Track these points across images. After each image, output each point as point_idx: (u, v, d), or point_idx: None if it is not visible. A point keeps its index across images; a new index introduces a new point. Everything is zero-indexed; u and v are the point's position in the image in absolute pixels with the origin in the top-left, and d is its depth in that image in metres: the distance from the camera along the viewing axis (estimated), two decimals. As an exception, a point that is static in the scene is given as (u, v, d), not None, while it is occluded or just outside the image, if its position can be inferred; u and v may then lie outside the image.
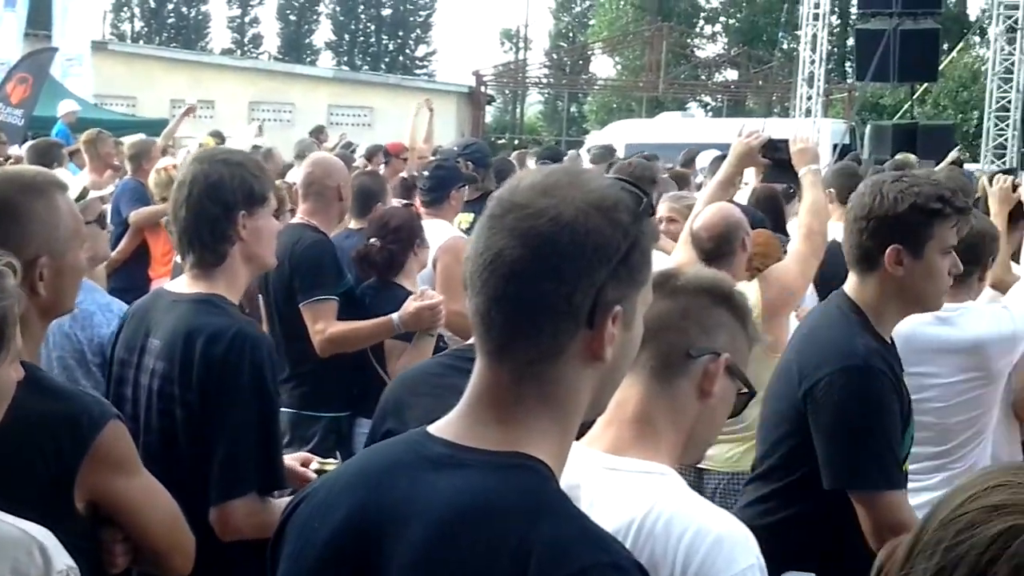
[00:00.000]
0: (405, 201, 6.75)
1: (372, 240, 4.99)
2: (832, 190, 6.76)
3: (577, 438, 1.70)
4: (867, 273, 3.10)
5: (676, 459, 2.06)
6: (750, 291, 4.41)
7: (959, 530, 1.57)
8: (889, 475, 2.94)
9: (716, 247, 4.45)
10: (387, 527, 1.51)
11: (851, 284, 3.16)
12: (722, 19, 52.93)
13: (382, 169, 9.68)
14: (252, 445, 2.91)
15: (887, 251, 3.03)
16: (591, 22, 55.22)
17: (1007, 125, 19.15)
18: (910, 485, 3.23)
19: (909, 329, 4.15)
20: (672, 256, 4.93)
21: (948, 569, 1.40)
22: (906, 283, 3.06)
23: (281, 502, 2.84)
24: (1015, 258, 5.08)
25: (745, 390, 2.15)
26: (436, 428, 1.58)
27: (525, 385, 1.52)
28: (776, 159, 4.92)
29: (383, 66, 59.61)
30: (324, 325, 4.84)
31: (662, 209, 5.86)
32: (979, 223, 4.19)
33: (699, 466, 4.52)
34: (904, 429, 3.04)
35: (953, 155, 11.35)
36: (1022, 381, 4.33)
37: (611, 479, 1.97)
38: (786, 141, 4.82)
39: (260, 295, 5.21)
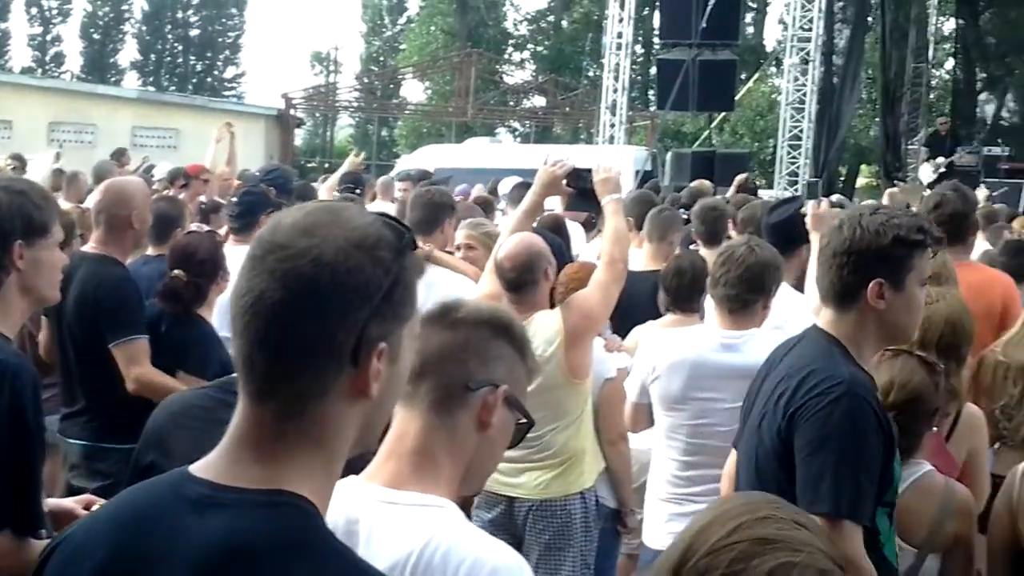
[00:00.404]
0: (206, 227, 6.62)
1: (177, 272, 4.84)
2: (630, 218, 6.95)
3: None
4: (846, 308, 3.05)
5: (455, 491, 2.08)
6: (553, 319, 4.48)
7: (733, 559, 1.65)
8: (853, 503, 2.88)
9: (519, 276, 4.49)
10: (145, 572, 1.48)
11: (827, 319, 3.11)
12: (530, 46, 53.67)
13: (183, 192, 9.48)
14: (4, 481, 2.78)
15: (870, 285, 2.98)
16: (402, 47, 55.27)
17: (799, 153, 19.94)
18: (698, 507, 3.33)
19: (696, 356, 4.31)
20: (478, 286, 4.96)
21: None
22: (887, 316, 3.02)
23: (41, 544, 2.73)
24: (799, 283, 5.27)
25: (524, 420, 2.18)
26: (197, 468, 1.55)
27: (287, 424, 1.51)
28: (580, 188, 5.02)
29: (190, 87, 58.35)
30: (139, 370, 4.68)
31: (460, 236, 5.91)
32: (763, 253, 4.36)
33: (509, 494, 4.55)
34: (888, 461, 3.00)
35: (740, 179, 11.73)
36: None
37: (389, 513, 1.98)
38: (590, 170, 4.92)
39: (48, 326, 5.05)
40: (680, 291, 5.36)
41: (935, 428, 3.57)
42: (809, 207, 5.26)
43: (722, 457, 4.12)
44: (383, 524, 1.96)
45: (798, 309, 4.71)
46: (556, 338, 4.44)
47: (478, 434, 2.10)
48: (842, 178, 32.36)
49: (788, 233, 5.44)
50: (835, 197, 16.12)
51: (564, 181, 4.97)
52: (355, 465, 1.89)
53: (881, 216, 3.02)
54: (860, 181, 35.99)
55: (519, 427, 2.18)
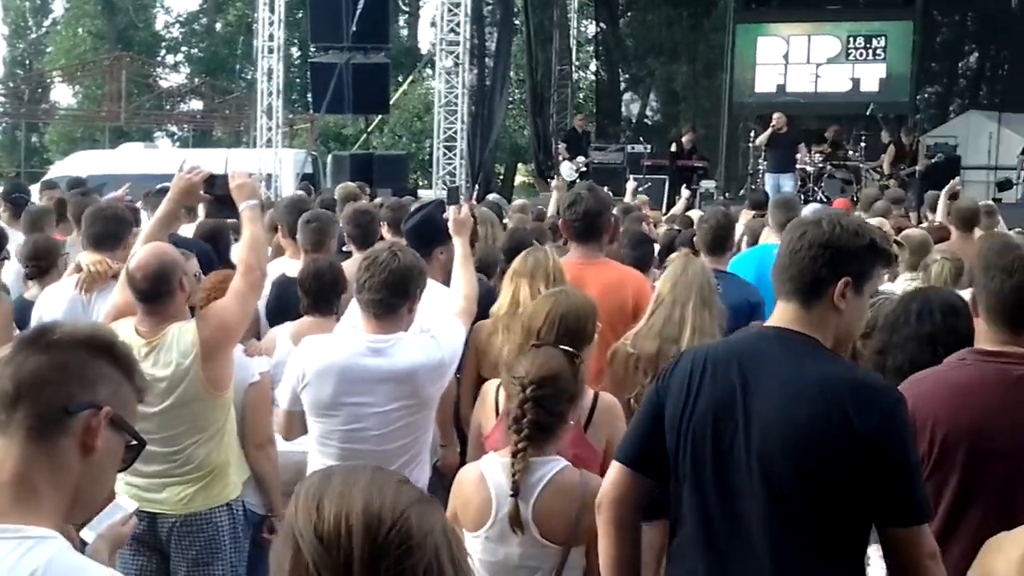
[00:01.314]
0: None
1: None
2: (284, 225, 6.85)
3: None
4: (811, 302, 2.97)
5: (62, 520, 1.99)
6: (188, 331, 4.36)
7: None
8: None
9: (151, 288, 4.34)
10: None
11: (791, 316, 2.99)
12: (184, 49, 52.22)
13: None
14: None
15: (840, 282, 2.94)
16: (48, 49, 52.50)
17: (455, 154, 20.33)
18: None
19: (345, 361, 4.29)
20: (111, 298, 4.77)
21: None
22: (844, 317, 2.97)
23: None
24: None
25: (135, 442, 2.10)
26: None
27: None
28: (217, 195, 4.91)
29: None
30: None
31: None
32: (406, 257, 4.39)
33: (151, 510, 4.40)
34: None
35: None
36: None
37: (-9, 546, 1.87)
38: (226, 176, 4.82)
39: None
40: (319, 294, 5.37)
41: (571, 422, 3.69)
42: (451, 212, 5.35)
43: (375, 459, 4.14)
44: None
45: (445, 308, 4.79)
46: (192, 351, 4.32)
47: (82, 459, 2.02)
48: (500, 177, 33.27)
49: (423, 235, 5.50)
50: (492, 196, 16.56)
51: (202, 188, 4.85)
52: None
53: (858, 219, 3.11)
54: (518, 180, 37.03)
55: (130, 448, 2.10)
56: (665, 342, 4.84)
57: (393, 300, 4.28)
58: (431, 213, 5.77)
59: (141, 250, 4.49)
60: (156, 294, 4.36)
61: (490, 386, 4.29)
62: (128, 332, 4.34)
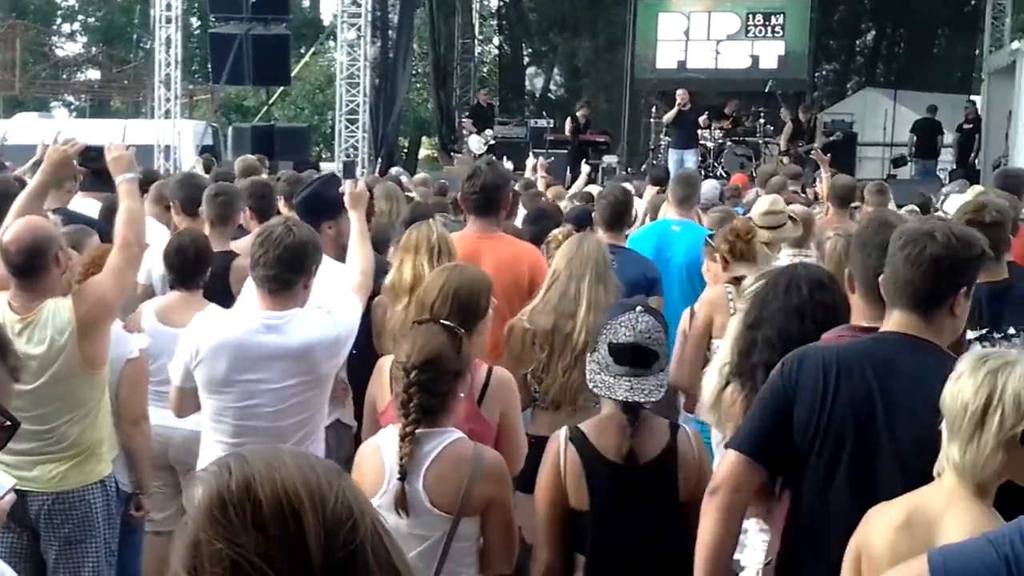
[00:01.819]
0: None
1: None
2: (176, 201, 6.75)
3: None
4: (933, 312, 3.09)
5: None
6: (64, 307, 4.30)
7: None
8: None
9: (26, 262, 4.27)
10: None
11: (915, 325, 3.10)
12: (80, 17, 51.02)
13: None
14: None
15: (959, 292, 3.08)
16: (-65, 17, 50.99)
17: (357, 127, 20.18)
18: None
19: (239, 338, 4.25)
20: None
21: None
22: (956, 320, 3.12)
23: None
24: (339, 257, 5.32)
25: (8, 423, 2.07)
26: None
27: None
28: (93, 168, 4.84)
29: None
30: None
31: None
32: (301, 232, 4.35)
33: (21, 488, 4.32)
34: None
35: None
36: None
37: None
38: (102, 148, 4.74)
39: None
40: (184, 268, 5.33)
41: (462, 394, 3.71)
42: (347, 186, 5.32)
43: (270, 436, 4.13)
44: None
45: (341, 284, 4.77)
46: (68, 328, 4.28)
47: None
48: (404, 150, 33.13)
49: (312, 209, 5.44)
50: (394, 169, 16.51)
51: (77, 160, 4.79)
52: None
53: (965, 227, 3.24)
54: (422, 153, 36.91)
55: (3, 429, 2.08)
56: (561, 317, 4.89)
57: (288, 276, 4.25)
58: (320, 187, 5.71)
59: (15, 224, 4.42)
60: (30, 268, 4.29)
61: (384, 362, 4.28)
62: (1, 308, 4.27)
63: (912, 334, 3.10)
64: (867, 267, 3.40)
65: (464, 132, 22.64)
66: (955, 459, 2.70)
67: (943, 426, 2.73)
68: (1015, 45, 19.89)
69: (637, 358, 3.68)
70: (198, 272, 5.35)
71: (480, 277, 4.27)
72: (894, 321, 3.17)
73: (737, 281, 5.50)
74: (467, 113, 24.09)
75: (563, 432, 3.75)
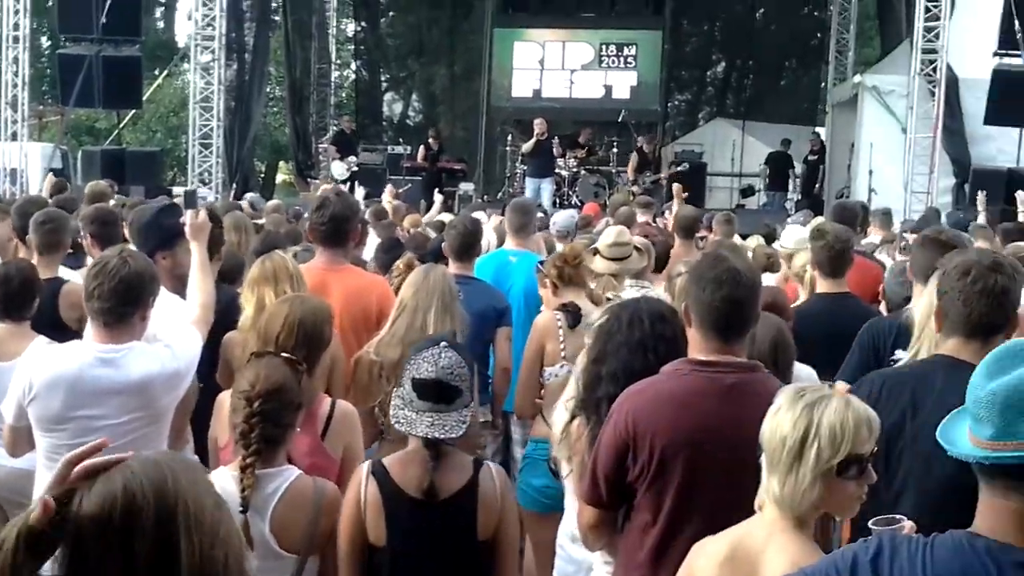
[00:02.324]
0: None
1: None
2: (16, 228, 6.59)
3: None
4: (993, 338, 3.32)
5: None
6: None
7: None
8: None
9: None
10: None
11: (973, 348, 3.36)
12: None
13: None
14: None
15: (1018, 318, 3.43)
16: None
17: (211, 151, 19.89)
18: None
19: (74, 372, 4.16)
20: None
21: None
22: None
23: None
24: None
25: None
26: None
27: None
28: None
29: None
30: None
31: None
32: (137, 263, 4.27)
33: None
34: None
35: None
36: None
37: None
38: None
39: None
40: (8, 299, 5.17)
41: (298, 428, 3.70)
42: (188, 216, 5.22)
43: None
44: None
45: (178, 317, 4.70)
46: None
47: None
48: (261, 175, 32.73)
49: (148, 238, 5.36)
50: (250, 195, 16.33)
51: None
52: None
53: (1010, 258, 3.64)
54: (279, 178, 36.50)
55: None
56: (408, 349, 4.89)
57: (123, 308, 4.17)
58: (156, 216, 5.60)
59: None
60: None
61: (224, 397, 4.24)
62: None
63: (966, 360, 3.32)
64: (701, 301, 3.48)
65: (329, 158, 22.52)
66: (775, 492, 2.79)
67: (762, 459, 2.83)
68: (857, 79, 20.68)
69: (439, 394, 3.68)
70: (25, 303, 5.18)
71: (322, 308, 4.27)
72: (953, 346, 3.46)
73: (564, 307, 5.61)
74: (331, 139, 23.99)
75: (366, 466, 3.75)
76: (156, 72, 28.13)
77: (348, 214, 5.68)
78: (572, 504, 4.17)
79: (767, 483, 2.81)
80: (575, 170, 20.00)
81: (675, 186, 13.15)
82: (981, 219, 11.29)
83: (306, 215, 10.68)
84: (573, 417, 4.02)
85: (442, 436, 3.65)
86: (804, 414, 2.74)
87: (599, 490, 3.56)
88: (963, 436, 2.24)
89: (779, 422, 2.77)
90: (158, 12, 38.47)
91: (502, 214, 10.57)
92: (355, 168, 21.10)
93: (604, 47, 25.00)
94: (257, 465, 3.49)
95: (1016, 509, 2.15)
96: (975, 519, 2.23)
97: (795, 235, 7.73)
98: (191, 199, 5.42)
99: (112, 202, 9.34)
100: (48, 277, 5.76)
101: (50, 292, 5.60)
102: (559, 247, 7.65)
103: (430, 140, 21.68)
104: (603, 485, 3.55)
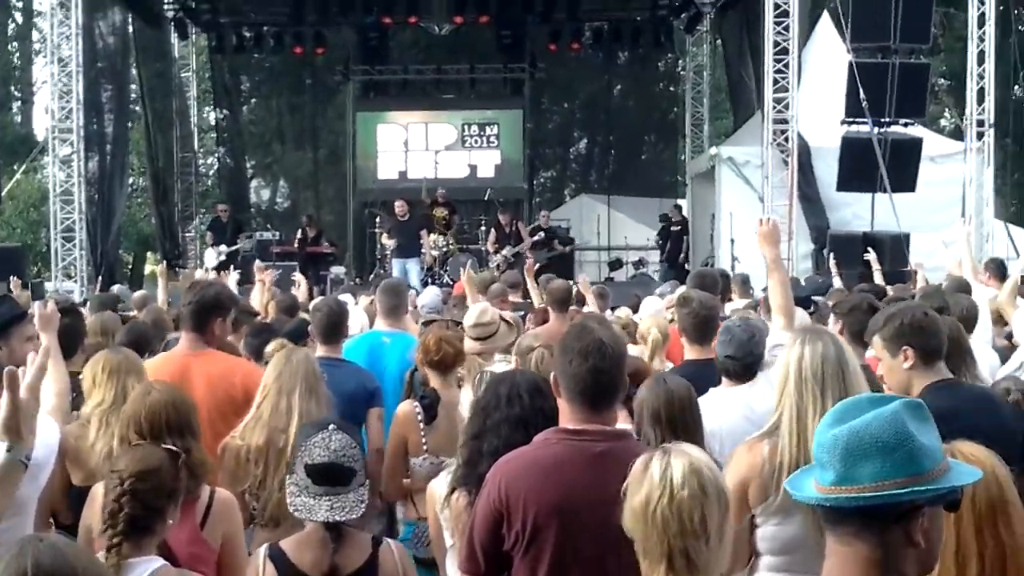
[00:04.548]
0: None
1: None
2: None
3: None
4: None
5: None
6: None
7: None
8: None
9: None
10: None
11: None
12: None
13: None
14: None
15: None
16: None
17: (74, 245, 19.54)
18: None
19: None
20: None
21: None
22: None
23: None
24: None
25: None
26: None
27: None
28: None
29: None
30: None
31: None
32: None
33: None
34: None
35: None
36: None
37: None
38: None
39: None
40: None
41: (171, 521, 3.66)
42: (36, 308, 5.14)
43: None
44: None
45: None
46: None
47: None
48: (129, 267, 32.22)
49: None
50: (116, 287, 16.07)
51: None
52: None
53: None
54: (147, 268, 35.94)
55: None
56: (274, 432, 4.89)
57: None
58: None
59: None
60: None
61: (99, 488, 4.18)
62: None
63: None
64: (567, 373, 3.55)
65: (208, 243, 22.28)
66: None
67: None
68: (713, 151, 21.28)
69: (334, 477, 3.72)
70: None
71: (185, 396, 4.28)
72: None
73: (423, 398, 5.65)
74: (207, 226, 23.76)
75: (263, 549, 3.76)
76: (15, 167, 27.59)
77: (214, 302, 5.66)
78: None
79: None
80: (445, 249, 20.11)
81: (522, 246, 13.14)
82: (837, 282, 11.69)
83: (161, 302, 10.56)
84: (452, 490, 4.07)
85: (343, 519, 3.68)
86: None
87: (476, 560, 3.59)
88: (809, 484, 2.36)
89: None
90: (15, 107, 37.83)
91: (373, 295, 10.61)
92: (224, 257, 20.90)
93: (467, 127, 25.37)
94: (124, 549, 3.43)
95: (861, 554, 2.26)
96: (824, 569, 2.34)
97: (651, 307, 7.93)
98: (38, 291, 5.30)
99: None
100: None
101: None
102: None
103: (305, 227, 21.63)
104: (480, 555, 3.58)
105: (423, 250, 19.74)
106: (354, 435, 3.89)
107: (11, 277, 13.48)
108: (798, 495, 2.35)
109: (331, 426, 3.85)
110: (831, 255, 13.59)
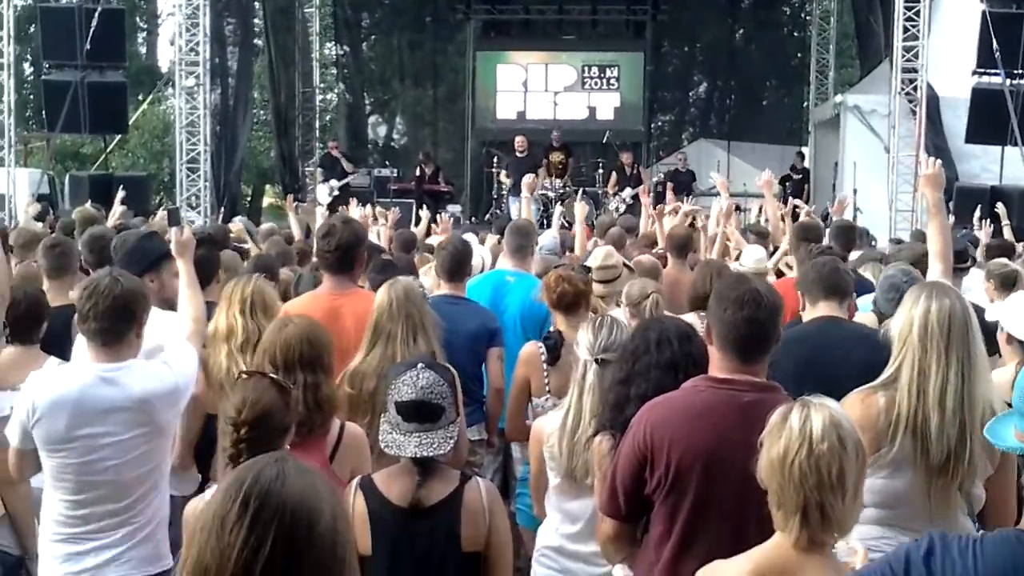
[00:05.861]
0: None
1: None
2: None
3: None
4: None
5: None
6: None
7: None
8: None
9: None
10: None
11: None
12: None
13: None
14: None
15: None
16: None
17: (198, 176, 19.91)
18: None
19: (76, 392, 4.21)
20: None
21: None
22: None
23: None
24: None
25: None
26: None
27: None
28: None
29: None
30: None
31: None
32: (128, 282, 4.33)
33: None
34: None
35: None
36: None
37: None
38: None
39: None
40: (15, 324, 5.23)
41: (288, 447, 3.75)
42: (172, 234, 5.32)
43: (115, 492, 4.13)
44: None
45: (174, 333, 4.77)
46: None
47: None
48: (248, 199, 32.76)
49: (131, 265, 5.38)
50: (239, 219, 16.38)
51: None
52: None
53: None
54: (265, 201, 36.51)
55: None
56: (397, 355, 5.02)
57: (119, 327, 4.24)
58: (137, 242, 5.73)
59: None
60: None
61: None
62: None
63: None
64: (723, 320, 3.58)
65: (319, 179, 22.56)
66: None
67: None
68: (838, 98, 20.85)
69: (422, 414, 3.76)
70: (31, 327, 5.23)
71: (320, 332, 4.36)
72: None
73: (547, 338, 5.66)
74: (318, 162, 24.04)
75: (355, 481, 3.85)
76: (140, 98, 28.15)
77: (354, 241, 5.75)
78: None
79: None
80: (562, 191, 20.05)
81: (641, 191, 12.97)
82: (981, 236, 11.27)
83: (296, 238, 10.74)
84: (596, 432, 4.12)
85: (431, 454, 3.73)
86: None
87: (617, 502, 3.66)
88: (1009, 432, 2.36)
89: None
90: (140, 38, 38.48)
91: (493, 234, 10.66)
92: (337, 193, 21.11)
93: (586, 69, 25.20)
94: None
95: None
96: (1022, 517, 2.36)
97: (754, 255, 7.83)
98: (175, 216, 5.42)
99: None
100: (60, 304, 5.76)
101: (61, 319, 5.48)
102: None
103: (423, 164, 21.75)
104: (621, 497, 3.65)
105: (540, 191, 19.71)
106: (444, 373, 3.91)
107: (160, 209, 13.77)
108: (1000, 444, 2.36)
109: (419, 364, 3.89)
110: (962, 208, 13.17)
